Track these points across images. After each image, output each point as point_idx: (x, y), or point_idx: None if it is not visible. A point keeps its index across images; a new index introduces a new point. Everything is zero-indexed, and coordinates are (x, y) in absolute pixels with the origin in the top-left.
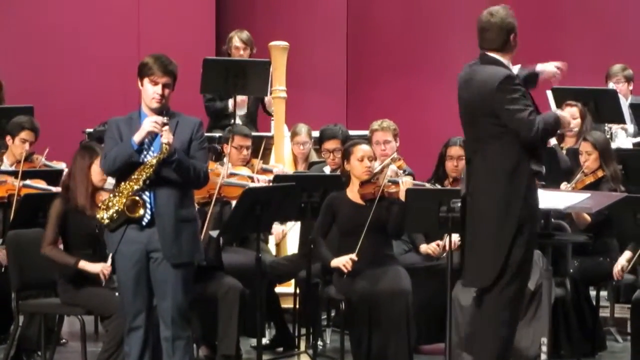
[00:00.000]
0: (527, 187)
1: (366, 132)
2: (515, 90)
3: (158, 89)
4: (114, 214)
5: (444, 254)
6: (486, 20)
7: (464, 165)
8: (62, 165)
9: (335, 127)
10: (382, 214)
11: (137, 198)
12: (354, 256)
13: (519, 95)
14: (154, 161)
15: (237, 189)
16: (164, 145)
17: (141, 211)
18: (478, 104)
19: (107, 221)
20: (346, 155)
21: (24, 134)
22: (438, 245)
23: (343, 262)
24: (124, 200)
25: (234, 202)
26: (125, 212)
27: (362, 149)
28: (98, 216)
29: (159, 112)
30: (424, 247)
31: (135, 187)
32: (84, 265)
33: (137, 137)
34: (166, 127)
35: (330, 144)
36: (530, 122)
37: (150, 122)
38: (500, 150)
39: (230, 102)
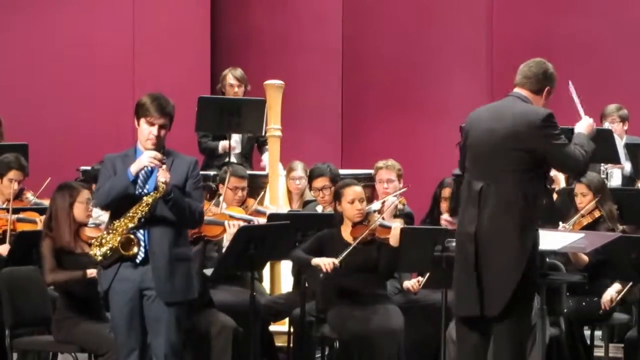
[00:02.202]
0: (537, 220)
1: (360, 172)
2: (557, 126)
3: (154, 130)
4: (108, 251)
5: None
6: (536, 62)
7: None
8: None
9: (324, 165)
10: (373, 255)
11: (132, 236)
12: (337, 261)
13: (560, 131)
14: (150, 199)
15: (217, 228)
16: (160, 183)
17: (135, 249)
18: (511, 136)
19: (100, 258)
20: (337, 196)
21: (11, 174)
22: (418, 281)
23: (326, 262)
24: (119, 238)
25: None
26: (119, 249)
27: (353, 190)
28: (91, 252)
29: (154, 150)
30: (406, 284)
31: (130, 225)
32: (93, 272)
33: (133, 168)
34: (164, 166)
35: (318, 182)
36: (577, 155)
37: (148, 157)
38: (520, 183)
39: (220, 144)
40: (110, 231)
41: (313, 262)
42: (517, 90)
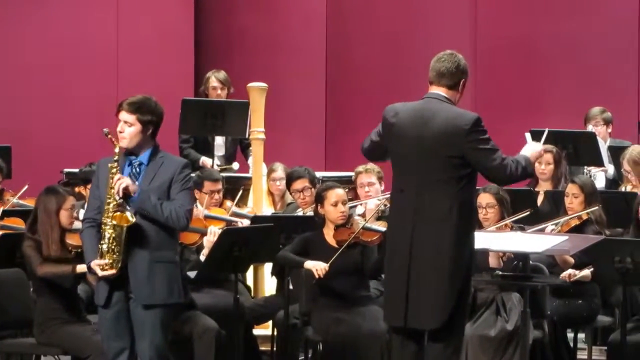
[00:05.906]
0: (474, 227)
1: (343, 174)
2: (485, 131)
3: (119, 126)
4: (111, 242)
5: None
6: (447, 57)
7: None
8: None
9: (301, 168)
10: (357, 258)
11: (118, 212)
12: (327, 266)
13: (488, 136)
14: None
15: (194, 236)
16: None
17: (128, 214)
18: (440, 143)
19: (111, 261)
20: (319, 199)
21: None
22: None
23: (319, 267)
24: (113, 224)
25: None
26: (120, 226)
27: (336, 193)
28: (104, 274)
29: (129, 152)
30: None
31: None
32: (82, 268)
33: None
34: (117, 176)
35: (298, 184)
36: (504, 163)
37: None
38: (455, 191)
39: (202, 159)
40: (103, 242)
41: (306, 265)
42: (434, 90)
